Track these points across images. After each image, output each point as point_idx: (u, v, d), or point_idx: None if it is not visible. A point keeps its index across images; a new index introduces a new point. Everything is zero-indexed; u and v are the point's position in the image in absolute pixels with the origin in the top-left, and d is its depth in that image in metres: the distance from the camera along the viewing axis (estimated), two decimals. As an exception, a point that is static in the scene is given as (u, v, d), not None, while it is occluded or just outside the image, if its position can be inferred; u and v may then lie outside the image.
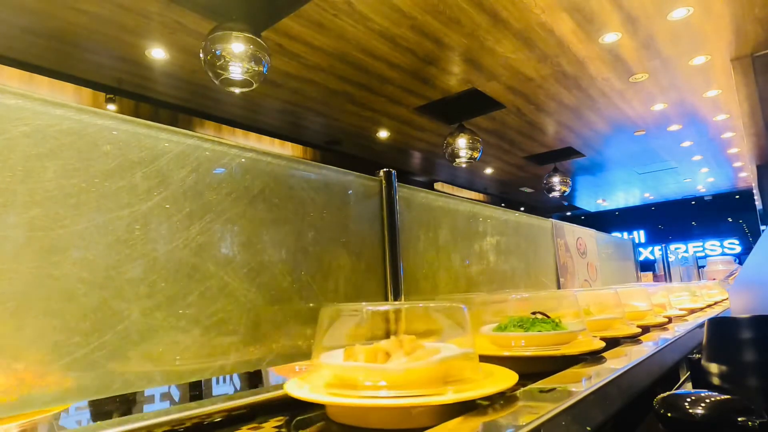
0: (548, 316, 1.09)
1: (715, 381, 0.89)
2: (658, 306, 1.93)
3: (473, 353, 0.74)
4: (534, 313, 1.11)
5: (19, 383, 0.65)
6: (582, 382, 0.78)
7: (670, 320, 1.74)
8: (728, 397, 0.73)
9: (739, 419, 0.68)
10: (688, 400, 0.72)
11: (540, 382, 0.80)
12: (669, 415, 0.71)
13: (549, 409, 0.60)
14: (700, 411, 0.70)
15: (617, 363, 0.95)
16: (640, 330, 1.36)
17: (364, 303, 0.80)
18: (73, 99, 4.37)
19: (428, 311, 0.80)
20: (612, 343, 1.21)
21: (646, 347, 1.15)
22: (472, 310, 0.93)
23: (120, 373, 0.75)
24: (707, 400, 0.72)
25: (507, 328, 1.07)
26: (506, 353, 0.99)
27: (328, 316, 0.77)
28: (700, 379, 0.93)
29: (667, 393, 0.77)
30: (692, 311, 2.19)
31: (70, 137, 0.75)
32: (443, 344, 0.75)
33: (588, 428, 0.65)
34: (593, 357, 1.04)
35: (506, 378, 0.72)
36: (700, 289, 2.80)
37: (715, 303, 2.69)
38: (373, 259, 1.26)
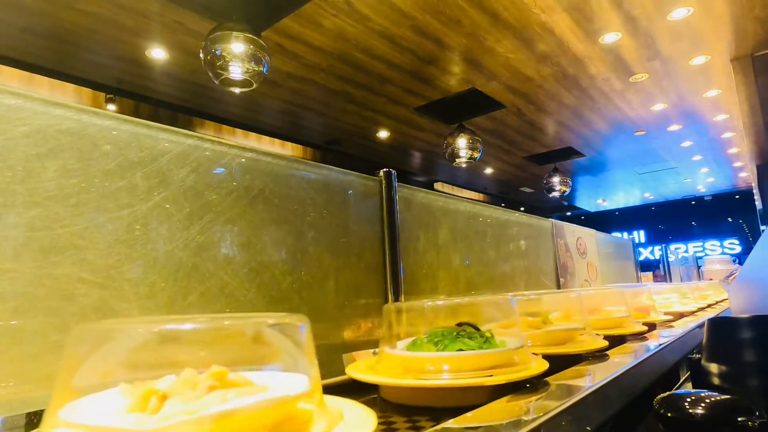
0: (477, 328, 0.82)
1: (715, 381, 0.89)
2: (639, 311, 1.65)
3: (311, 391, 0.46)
4: (460, 324, 0.83)
5: (19, 383, 0.65)
6: (582, 382, 0.78)
7: (650, 328, 1.47)
8: (728, 397, 0.73)
9: (739, 419, 0.68)
10: (688, 400, 0.72)
11: (539, 383, 0.80)
12: (669, 415, 0.71)
13: (549, 409, 0.60)
14: (700, 411, 0.70)
15: (617, 363, 0.95)
16: (607, 343, 1.07)
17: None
18: (73, 99, 4.37)
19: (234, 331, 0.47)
20: (572, 360, 0.97)
21: (647, 347, 1.15)
22: (388, 318, 0.84)
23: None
24: (707, 400, 0.72)
25: (421, 345, 0.78)
26: (416, 382, 0.70)
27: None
28: (700, 379, 0.93)
29: (667, 393, 0.77)
30: (682, 315, 1.97)
31: (70, 137, 0.75)
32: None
33: (588, 428, 0.65)
34: (593, 357, 1.04)
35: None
36: (693, 290, 2.53)
37: (708, 306, 2.48)
38: (373, 259, 1.26)
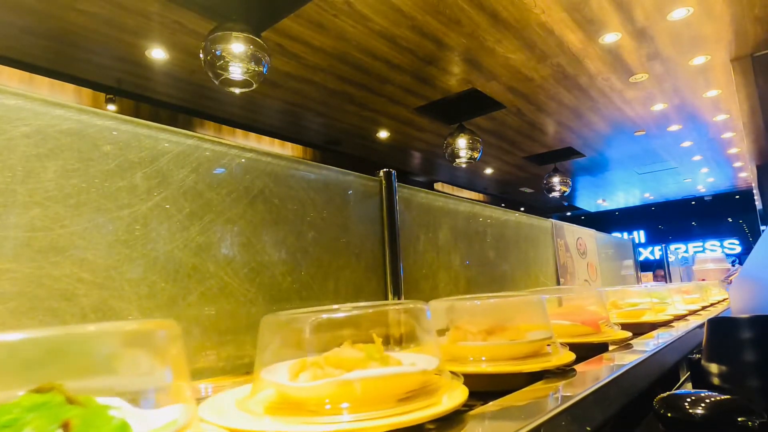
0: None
1: (715, 381, 0.89)
2: (587, 323, 1.10)
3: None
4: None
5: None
6: (582, 382, 0.78)
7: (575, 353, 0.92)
8: (728, 397, 0.73)
9: (739, 419, 0.68)
10: (688, 400, 0.72)
11: (539, 383, 0.80)
12: (669, 415, 0.71)
13: (549, 409, 0.60)
14: (700, 411, 0.70)
15: (617, 363, 0.95)
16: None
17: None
18: (73, 99, 4.37)
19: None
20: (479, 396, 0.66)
21: (647, 347, 1.15)
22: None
23: (120, 373, 0.75)
24: (707, 400, 0.72)
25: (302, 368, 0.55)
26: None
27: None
28: (700, 379, 0.93)
29: (667, 393, 0.77)
30: (638, 330, 1.43)
31: (70, 137, 0.75)
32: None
33: (588, 428, 0.65)
34: (593, 357, 1.04)
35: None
36: (673, 292, 2.05)
37: (690, 313, 1.95)
38: (373, 259, 1.26)
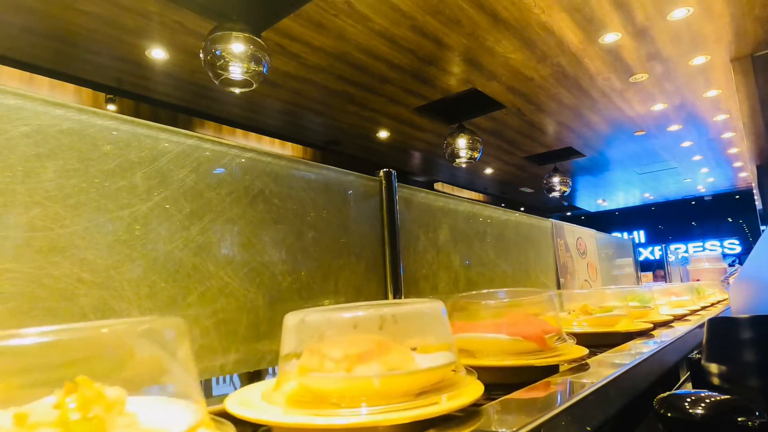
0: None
1: (715, 381, 0.89)
2: (541, 338, 0.87)
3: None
4: None
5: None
6: (582, 382, 0.78)
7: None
8: (728, 397, 0.73)
9: (739, 419, 0.68)
10: (688, 400, 0.72)
11: (539, 382, 0.80)
12: (669, 415, 0.71)
13: (549, 409, 0.60)
14: (700, 411, 0.70)
15: (617, 363, 0.95)
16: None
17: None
18: (73, 99, 4.37)
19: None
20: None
21: (647, 347, 1.15)
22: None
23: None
24: (707, 400, 0.72)
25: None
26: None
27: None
28: (700, 379, 0.93)
29: (667, 393, 0.77)
30: (605, 344, 1.19)
31: (70, 137, 0.75)
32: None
33: (588, 428, 0.65)
34: (593, 357, 1.04)
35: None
36: (659, 294, 1.92)
37: (674, 319, 1.75)
38: (373, 259, 1.26)
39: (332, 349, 0.56)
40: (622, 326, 1.31)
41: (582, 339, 1.16)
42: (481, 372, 0.68)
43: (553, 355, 0.86)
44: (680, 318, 1.83)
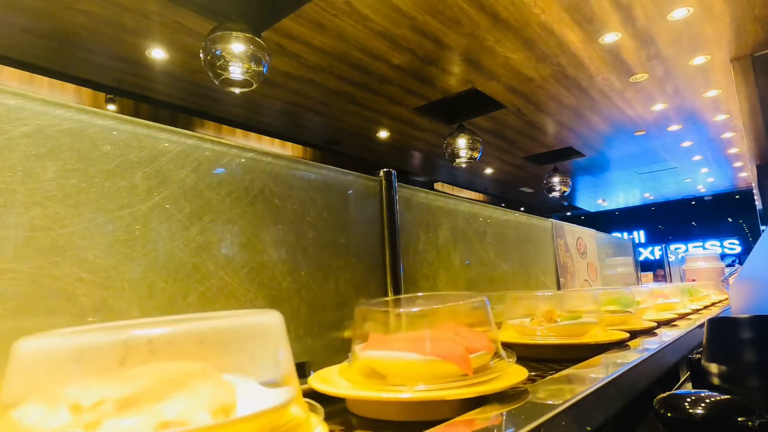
0: None
1: (715, 381, 0.89)
2: (465, 359, 0.69)
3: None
4: None
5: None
6: (582, 382, 0.78)
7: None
8: (728, 397, 0.73)
9: (739, 419, 0.68)
10: (688, 400, 0.72)
11: (540, 382, 0.80)
12: (669, 415, 0.71)
13: (549, 409, 0.60)
14: (700, 411, 0.70)
15: (617, 363, 0.95)
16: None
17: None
18: (73, 99, 4.37)
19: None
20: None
21: (646, 347, 1.15)
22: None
23: (120, 373, 0.75)
24: (707, 400, 0.72)
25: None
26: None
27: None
28: (700, 379, 0.93)
29: (667, 393, 0.77)
30: (569, 359, 1.04)
31: (70, 137, 0.75)
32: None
33: (588, 428, 0.65)
34: (593, 357, 1.04)
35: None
36: (646, 296, 1.76)
37: (658, 324, 1.56)
38: (373, 259, 1.26)
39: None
40: (591, 336, 1.12)
41: (543, 352, 1.07)
42: (384, 406, 0.63)
43: (473, 382, 0.64)
44: (669, 322, 1.66)
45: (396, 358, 0.66)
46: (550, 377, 0.85)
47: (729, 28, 4.02)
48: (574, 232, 2.59)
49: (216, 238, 0.91)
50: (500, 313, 1.23)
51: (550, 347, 1.09)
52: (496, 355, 0.74)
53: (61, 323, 0.70)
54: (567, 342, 1.08)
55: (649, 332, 1.42)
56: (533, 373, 0.89)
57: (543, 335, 1.10)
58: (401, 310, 0.79)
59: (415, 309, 0.78)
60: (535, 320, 1.16)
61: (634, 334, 1.32)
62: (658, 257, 11.18)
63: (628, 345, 1.17)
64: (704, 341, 0.95)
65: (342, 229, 1.19)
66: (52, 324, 0.69)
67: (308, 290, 1.07)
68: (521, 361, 0.79)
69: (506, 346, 0.78)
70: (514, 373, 0.71)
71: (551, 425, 0.57)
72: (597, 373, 0.87)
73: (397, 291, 1.28)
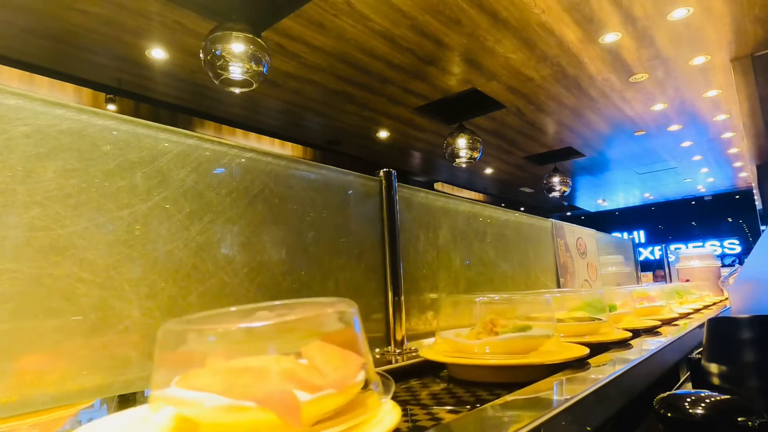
0: None
1: (715, 381, 0.89)
2: (294, 409, 0.40)
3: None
4: None
5: (19, 384, 0.65)
6: (582, 382, 0.78)
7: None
8: (728, 397, 0.73)
9: (739, 419, 0.68)
10: (688, 400, 0.72)
11: (540, 382, 0.80)
12: (669, 415, 0.71)
13: (549, 409, 0.60)
14: (700, 411, 0.70)
15: (617, 363, 0.95)
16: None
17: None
18: (73, 99, 4.37)
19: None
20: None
21: (646, 347, 1.15)
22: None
23: (120, 373, 0.75)
24: (707, 400, 0.72)
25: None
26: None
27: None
28: (700, 379, 0.93)
29: (667, 393, 0.77)
30: (513, 381, 0.83)
31: (70, 137, 0.75)
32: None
33: (588, 428, 0.65)
34: (592, 357, 1.04)
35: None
36: (626, 299, 1.55)
37: (633, 335, 1.24)
38: (373, 259, 1.26)
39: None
40: (540, 354, 0.88)
41: (480, 374, 0.84)
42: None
43: None
44: (651, 330, 1.43)
45: (195, 401, 0.41)
46: (460, 416, 0.62)
47: (729, 28, 4.02)
48: (574, 232, 2.59)
49: (216, 238, 0.91)
50: (434, 322, 1.22)
51: (488, 369, 0.85)
52: (366, 388, 0.48)
53: (62, 323, 0.70)
54: (506, 362, 0.83)
55: (622, 343, 1.17)
56: (447, 408, 0.65)
57: (478, 353, 0.86)
58: (220, 327, 0.49)
59: (241, 326, 0.46)
60: (472, 332, 0.94)
61: (596, 346, 1.04)
62: (658, 257, 11.19)
63: (589, 363, 0.94)
64: (704, 341, 0.95)
65: (342, 229, 1.19)
66: (52, 324, 0.69)
67: (308, 290, 1.07)
68: (456, 384, 0.71)
69: (435, 366, 0.66)
70: (380, 420, 0.46)
71: (551, 425, 0.57)
72: (597, 373, 0.87)
73: (396, 291, 1.28)
